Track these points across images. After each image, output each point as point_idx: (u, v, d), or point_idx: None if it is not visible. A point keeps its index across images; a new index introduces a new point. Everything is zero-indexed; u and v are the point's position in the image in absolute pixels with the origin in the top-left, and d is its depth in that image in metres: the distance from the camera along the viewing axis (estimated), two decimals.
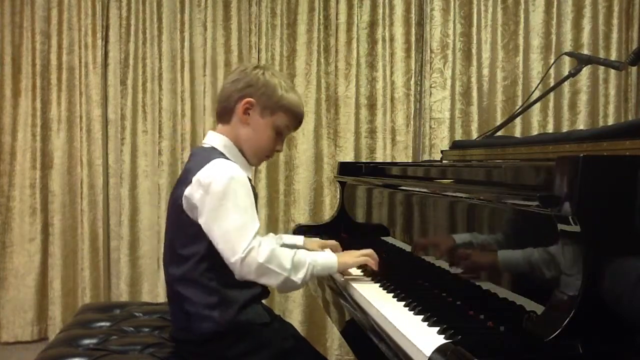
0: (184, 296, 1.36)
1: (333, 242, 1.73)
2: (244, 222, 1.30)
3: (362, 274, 1.57)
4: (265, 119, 1.45)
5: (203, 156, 1.38)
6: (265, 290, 1.45)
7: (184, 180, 1.37)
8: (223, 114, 1.47)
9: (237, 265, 1.29)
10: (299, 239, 1.74)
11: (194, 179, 1.33)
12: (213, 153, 1.39)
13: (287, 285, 1.35)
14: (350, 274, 1.54)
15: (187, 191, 1.33)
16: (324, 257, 1.43)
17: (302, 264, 1.35)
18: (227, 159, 1.40)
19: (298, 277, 1.34)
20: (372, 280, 1.47)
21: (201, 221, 1.32)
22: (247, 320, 1.37)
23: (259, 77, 1.44)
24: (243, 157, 1.46)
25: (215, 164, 1.34)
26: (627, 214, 0.86)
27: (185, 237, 1.35)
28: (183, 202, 1.34)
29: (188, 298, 1.35)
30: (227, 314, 1.34)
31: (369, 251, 1.48)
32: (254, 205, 1.37)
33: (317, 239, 1.80)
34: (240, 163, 1.42)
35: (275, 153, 1.53)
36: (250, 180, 1.45)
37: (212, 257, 1.32)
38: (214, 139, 1.45)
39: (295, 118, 1.51)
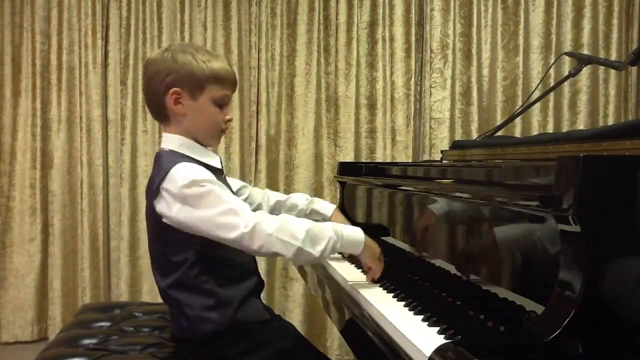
0: (180, 301, 1.34)
1: None
2: (230, 206, 1.26)
3: (364, 275, 1.56)
4: (199, 99, 1.36)
5: (165, 162, 1.33)
6: (260, 283, 1.45)
7: (152, 190, 1.33)
8: (159, 115, 1.40)
9: (244, 240, 1.24)
10: (330, 209, 1.71)
11: (163, 193, 1.29)
12: (173, 157, 1.34)
13: (303, 257, 1.29)
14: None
15: (163, 207, 1.30)
16: (351, 231, 1.35)
17: (322, 237, 1.29)
18: (189, 157, 1.35)
19: (317, 249, 1.28)
20: (372, 280, 1.47)
21: (191, 228, 1.28)
22: (247, 317, 1.36)
23: (172, 60, 1.34)
24: (203, 146, 1.41)
25: (177, 171, 1.28)
26: (627, 214, 0.86)
27: (172, 244, 1.32)
28: (162, 217, 1.31)
29: (185, 302, 1.34)
30: (225, 314, 1.34)
31: (382, 265, 1.43)
32: (230, 190, 1.34)
33: (343, 218, 1.74)
34: (203, 156, 1.39)
35: (228, 124, 1.44)
36: (220, 170, 1.43)
37: (203, 260, 1.31)
38: (169, 141, 1.39)
39: (226, 81, 1.39)
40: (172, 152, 1.38)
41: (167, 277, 1.36)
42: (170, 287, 1.36)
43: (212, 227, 1.26)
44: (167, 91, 1.34)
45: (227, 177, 1.52)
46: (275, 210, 1.72)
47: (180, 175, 1.28)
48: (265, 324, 1.41)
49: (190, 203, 1.26)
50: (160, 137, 3.05)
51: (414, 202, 1.58)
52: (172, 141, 1.39)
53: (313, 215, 1.72)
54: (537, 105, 2.72)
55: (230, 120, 1.45)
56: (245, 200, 1.70)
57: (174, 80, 1.34)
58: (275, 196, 1.75)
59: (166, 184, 1.28)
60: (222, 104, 1.40)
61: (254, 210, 1.44)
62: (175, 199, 1.27)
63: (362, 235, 1.36)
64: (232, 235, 1.25)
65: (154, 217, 1.34)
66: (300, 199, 1.74)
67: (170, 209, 1.28)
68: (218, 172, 1.41)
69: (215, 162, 1.42)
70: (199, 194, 1.26)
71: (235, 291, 1.35)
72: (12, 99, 3.10)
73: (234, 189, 1.60)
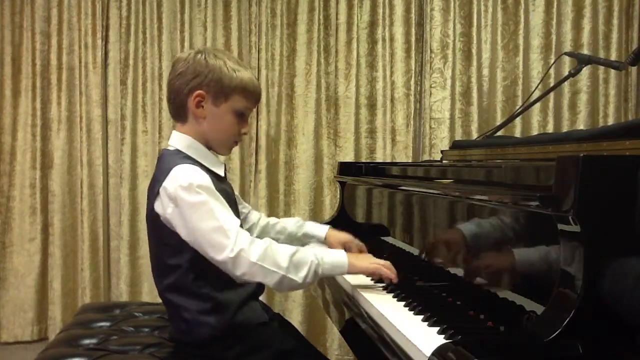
0: (177, 304, 1.34)
1: (358, 242, 1.61)
2: (221, 223, 1.24)
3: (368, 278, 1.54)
4: (221, 107, 1.37)
5: (167, 162, 1.33)
6: (259, 287, 1.44)
7: (152, 189, 1.34)
8: (178, 113, 1.40)
9: (228, 265, 1.24)
10: (323, 230, 1.63)
11: (161, 192, 1.29)
12: (176, 158, 1.34)
13: (286, 285, 1.27)
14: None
15: (159, 206, 1.30)
16: (333, 255, 1.33)
17: (303, 262, 1.27)
18: (193, 159, 1.35)
19: (299, 275, 1.26)
20: (372, 280, 1.47)
21: (182, 234, 1.27)
22: (245, 320, 1.36)
23: (202, 64, 1.35)
24: (211, 152, 1.41)
25: (177, 172, 1.28)
26: (627, 214, 0.86)
27: (169, 247, 1.32)
28: (159, 216, 1.31)
29: (182, 306, 1.34)
30: (223, 318, 1.33)
31: (386, 262, 1.39)
32: (225, 203, 1.31)
33: (344, 233, 1.66)
34: (208, 161, 1.38)
35: (243, 136, 1.45)
36: (223, 177, 1.42)
37: (199, 264, 1.29)
38: (177, 140, 1.39)
39: (252, 96, 1.41)
40: (177, 152, 1.38)
41: (164, 280, 1.36)
42: (167, 289, 1.36)
43: (203, 242, 1.25)
44: (192, 92, 1.35)
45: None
46: (263, 233, 1.65)
47: (179, 176, 1.27)
48: (265, 325, 1.41)
49: (184, 208, 1.26)
50: (160, 137, 3.06)
51: (414, 202, 1.58)
52: (180, 140, 1.39)
53: (305, 239, 1.66)
54: (537, 105, 2.72)
55: (245, 133, 1.45)
56: (244, 217, 1.62)
57: (201, 83, 1.35)
58: (266, 219, 1.68)
59: (165, 184, 1.28)
60: (242, 115, 1.41)
61: (247, 229, 1.41)
62: (171, 200, 1.27)
63: (344, 256, 1.34)
64: (219, 256, 1.24)
65: (152, 218, 1.35)
66: (290, 222, 1.67)
67: (165, 209, 1.29)
68: (220, 179, 1.40)
69: (219, 169, 1.42)
70: (193, 203, 1.25)
71: (233, 295, 1.34)
72: (12, 99, 3.09)
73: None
